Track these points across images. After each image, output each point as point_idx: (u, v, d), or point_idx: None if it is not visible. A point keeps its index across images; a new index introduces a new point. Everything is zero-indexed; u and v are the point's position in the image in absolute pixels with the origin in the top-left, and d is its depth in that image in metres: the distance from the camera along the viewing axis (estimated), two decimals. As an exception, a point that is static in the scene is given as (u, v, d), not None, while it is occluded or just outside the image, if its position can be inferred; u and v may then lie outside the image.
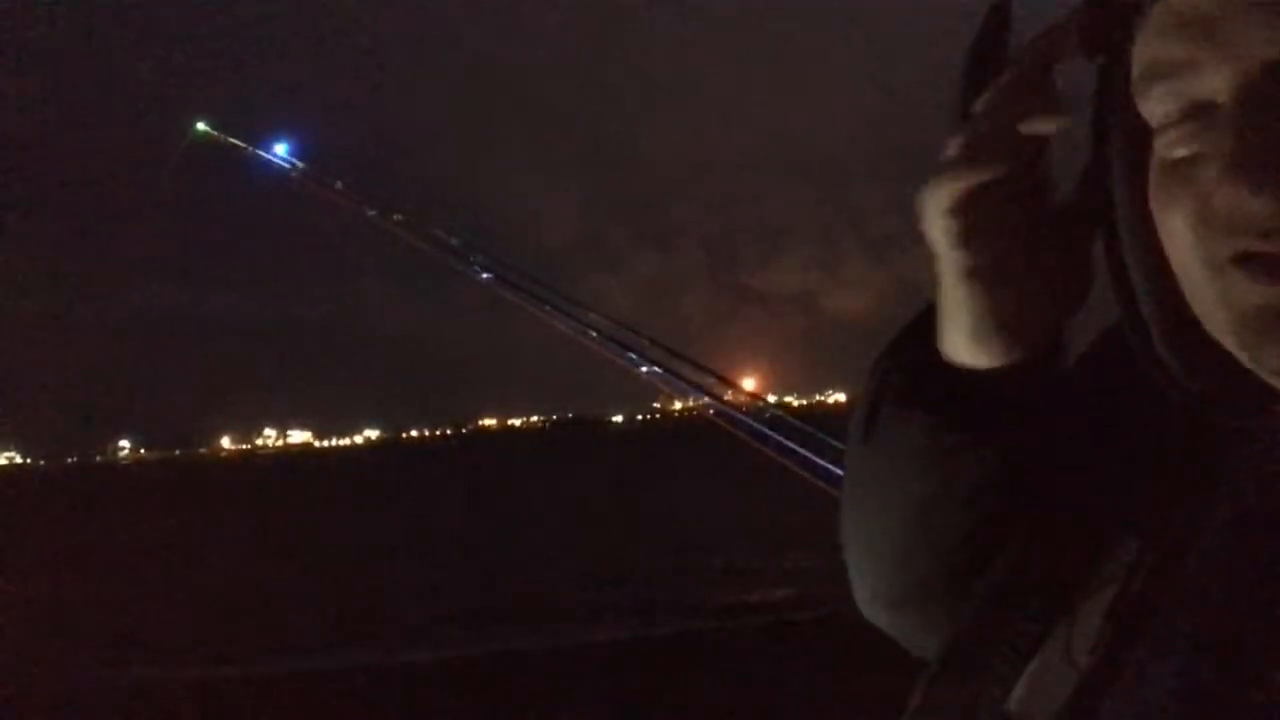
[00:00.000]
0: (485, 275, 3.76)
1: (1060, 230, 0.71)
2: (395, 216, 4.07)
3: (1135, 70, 0.58)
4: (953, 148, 0.69)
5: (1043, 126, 0.67)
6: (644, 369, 3.22)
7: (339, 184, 4.30)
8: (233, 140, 4.62)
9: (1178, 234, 0.56)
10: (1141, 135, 0.59)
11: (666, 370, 3.19)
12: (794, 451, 2.71)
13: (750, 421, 2.91)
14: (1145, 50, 0.57)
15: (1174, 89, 0.55)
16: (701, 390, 3.14)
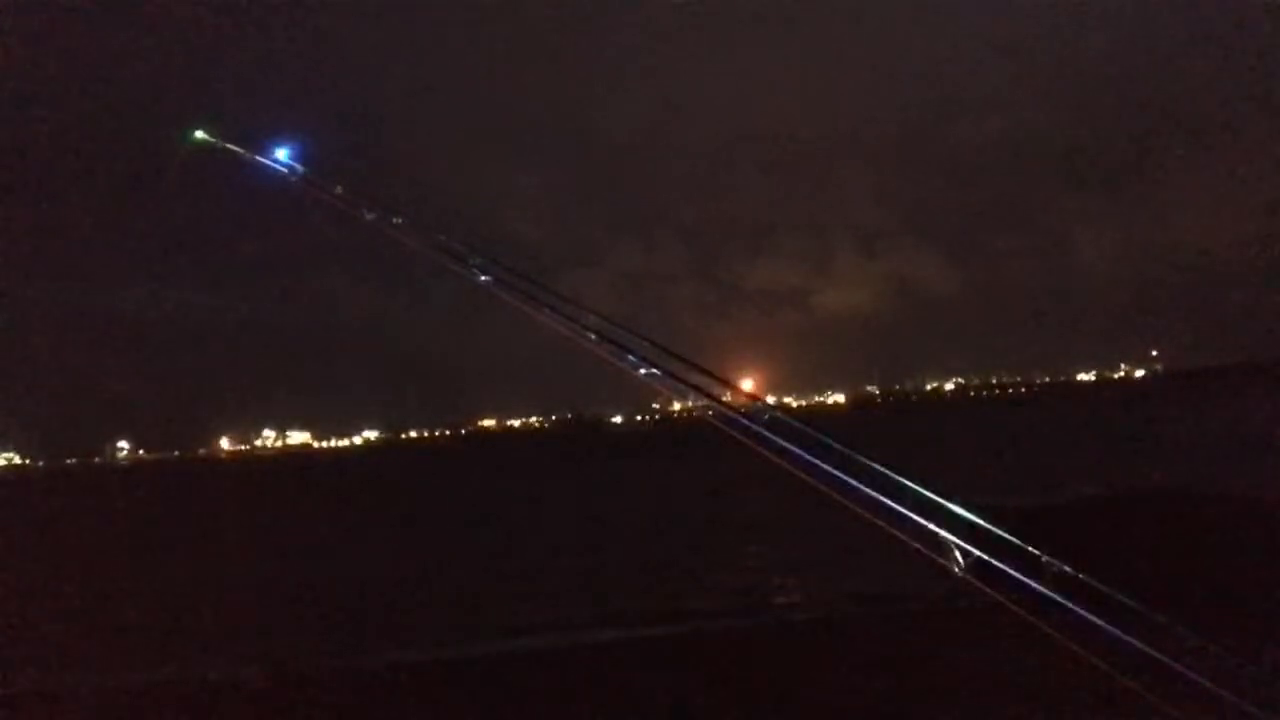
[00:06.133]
0: (484, 278, 3.78)
1: None
2: (395, 220, 4.09)
3: None
4: None
5: None
6: (643, 370, 3.23)
7: (339, 188, 4.33)
8: (231, 146, 4.64)
9: None
10: None
11: (665, 372, 3.20)
12: (793, 453, 2.72)
13: (749, 423, 2.92)
14: None
15: None
16: (700, 391, 3.15)
